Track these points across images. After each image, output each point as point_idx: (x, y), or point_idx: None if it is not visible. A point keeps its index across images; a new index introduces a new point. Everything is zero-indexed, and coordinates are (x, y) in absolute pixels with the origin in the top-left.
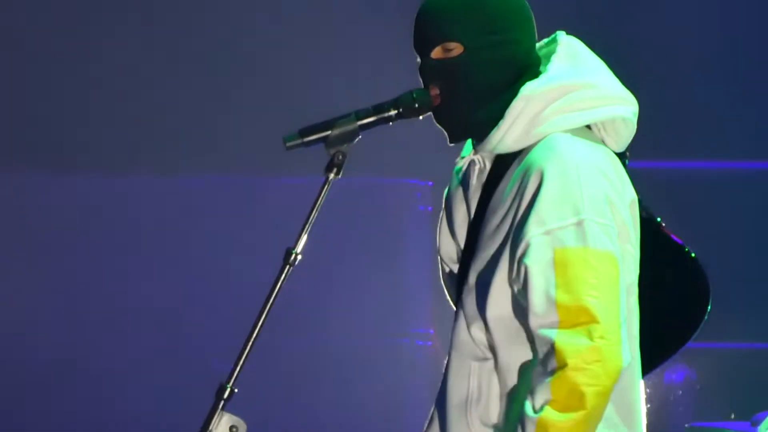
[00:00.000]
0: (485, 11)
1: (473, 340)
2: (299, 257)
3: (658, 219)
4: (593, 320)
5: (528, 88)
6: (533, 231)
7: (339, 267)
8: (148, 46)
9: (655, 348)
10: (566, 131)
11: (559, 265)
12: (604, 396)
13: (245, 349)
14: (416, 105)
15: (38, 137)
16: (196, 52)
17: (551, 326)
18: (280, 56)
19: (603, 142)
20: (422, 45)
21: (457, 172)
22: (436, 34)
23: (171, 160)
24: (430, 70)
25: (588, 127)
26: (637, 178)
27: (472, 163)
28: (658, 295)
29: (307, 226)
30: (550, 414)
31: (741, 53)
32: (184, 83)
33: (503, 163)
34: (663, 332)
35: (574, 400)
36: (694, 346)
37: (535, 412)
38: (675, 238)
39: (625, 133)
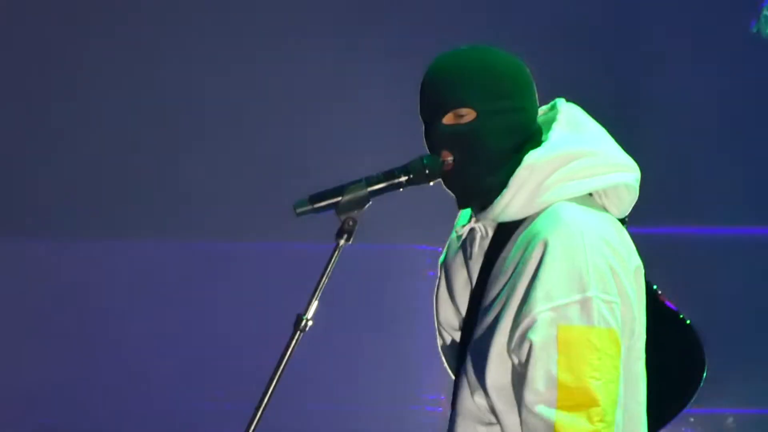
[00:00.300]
0: (495, 77)
1: (478, 407)
2: (310, 323)
3: (655, 286)
4: (594, 403)
5: (532, 157)
6: (540, 306)
7: (350, 333)
8: (148, 108)
9: (652, 414)
10: (570, 200)
11: (563, 344)
12: None
13: (256, 415)
14: (426, 171)
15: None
16: (204, 115)
17: (550, 404)
18: (291, 121)
19: (605, 209)
20: (432, 111)
21: (455, 240)
22: (448, 100)
23: (182, 225)
24: (441, 136)
25: (590, 194)
26: (634, 243)
27: (472, 230)
28: (654, 362)
29: (317, 292)
30: None
31: (737, 118)
32: (195, 148)
33: (506, 230)
34: (659, 399)
35: None
36: (701, 411)
37: None
38: (670, 304)
39: (628, 199)
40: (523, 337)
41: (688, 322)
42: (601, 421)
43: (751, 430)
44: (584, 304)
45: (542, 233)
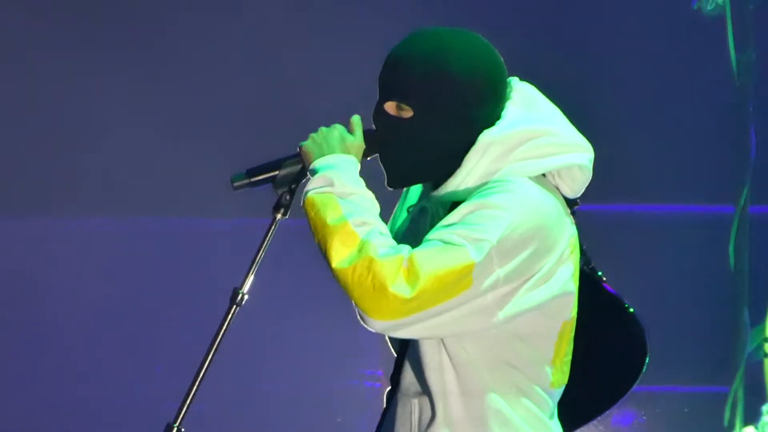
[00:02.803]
0: (449, 85)
1: (418, 382)
2: (246, 297)
3: (599, 273)
4: (415, 269)
5: (486, 136)
6: (442, 221)
7: (287, 308)
8: (76, 78)
9: (595, 400)
10: (522, 177)
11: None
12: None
13: (192, 388)
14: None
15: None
16: (137, 84)
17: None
18: (230, 90)
19: (557, 189)
20: (381, 89)
21: (404, 214)
22: (394, 89)
23: (113, 199)
24: (379, 119)
25: (543, 174)
26: (581, 221)
27: (423, 209)
28: (597, 349)
29: (254, 266)
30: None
31: (678, 96)
32: (126, 119)
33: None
34: (604, 383)
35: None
36: (642, 389)
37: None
38: (613, 291)
39: (581, 179)
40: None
41: (631, 310)
42: (411, 281)
43: (692, 409)
44: (478, 242)
45: (482, 191)
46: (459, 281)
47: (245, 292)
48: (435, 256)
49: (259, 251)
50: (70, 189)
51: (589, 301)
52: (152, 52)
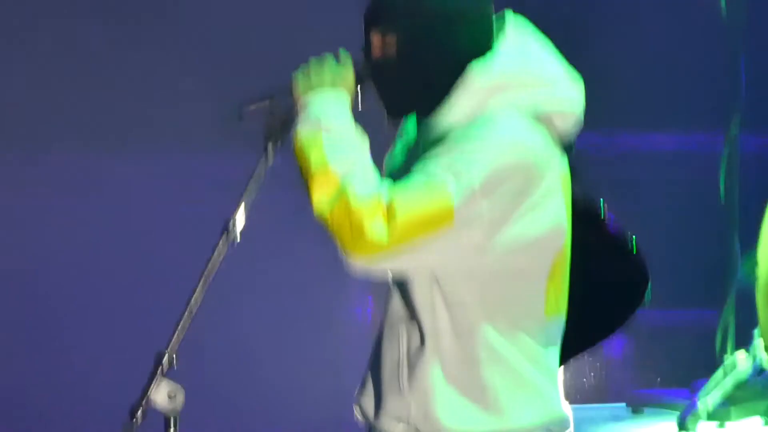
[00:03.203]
0: (429, 8)
1: (403, 306)
2: (238, 228)
3: (601, 212)
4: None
5: (475, 71)
6: (432, 152)
7: (276, 242)
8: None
9: (596, 328)
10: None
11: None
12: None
13: (183, 316)
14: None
15: None
16: (130, 16)
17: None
18: (220, 27)
19: (550, 124)
20: (366, 21)
21: (396, 149)
22: (376, 19)
23: (101, 136)
24: (367, 51)
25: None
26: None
27: (417, 143)
28: (599, 278)
29: (245, 196)
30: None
31: (668, 27)
32: (121, 57)
33: None
34: (603, 312)
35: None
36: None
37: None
38: (617, 230)
39: (571, 115)
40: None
41: (635, 250)
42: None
43: (688, 331)
44: (457, 175)
45: (471, 123)
46: (439, 219)
47: (236, 220)
48: (414, 194)
49: (250, 182)
50: (55, 125)
51: (589, 231)
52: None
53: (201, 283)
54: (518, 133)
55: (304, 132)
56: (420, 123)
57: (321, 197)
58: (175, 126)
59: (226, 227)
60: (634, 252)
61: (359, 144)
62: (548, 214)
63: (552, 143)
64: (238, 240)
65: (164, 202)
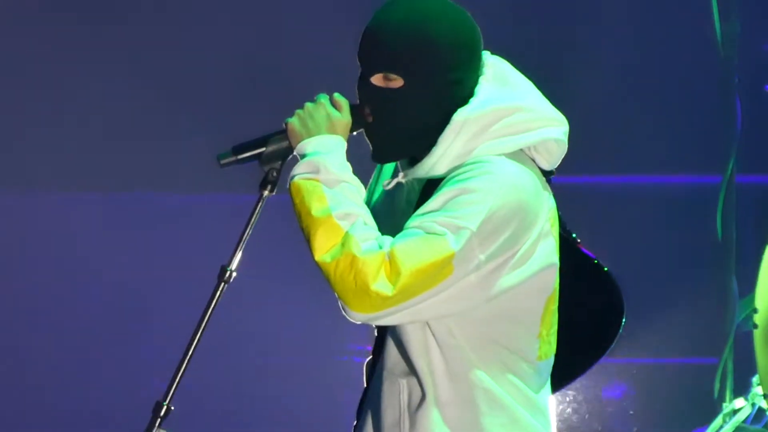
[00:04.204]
0: (433, 48)
1: (400, 356)
2: (234, 274)
3: (573, 235)
4: (397, 267)
5: (461, 115)
6: (426, 209)
7: (275, 285)
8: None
9: (574, 361)
10: (500, 155)
11: (415, 228)
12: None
13: (181, 366)
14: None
15: None
16: (115, 54)
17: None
18: (217, 68)
19: (534, 161)
20: (365, 64)
21: (380, 189)
22: (379, 60)
23: (104, 174)
24: (367, 94)
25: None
26: (556, 192)
27: (399, 185)
28: (574, 309)
29: (241, 243)
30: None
31: (664, 68)
32: (118, 101)
33: (434, 186)
34: (580, 345)
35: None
36: (632, 361)
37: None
38: (587, 252)
39: (557, 152)
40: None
41: (605, 269)
42: (393, 280)
43: (682, 380)
44: (456, 229)
45: (460, 170)
46: (440, 271)
47: (233, 269)
48: (416, 248)
49: (246, 228)
50: (56, 163)
51: (565, 262)
52: (135, 28)
53: (198, 333)
54: (510, 179)
55: (303, 178)
56: (402, 164)
57: (324, 248)
58: (172, 168)
59: (222, 274)
60: (605, 271)
61: (358, 194)
62: (542, 256)
63: (541, 182)
64: (233, 278)
65: (161, 243)
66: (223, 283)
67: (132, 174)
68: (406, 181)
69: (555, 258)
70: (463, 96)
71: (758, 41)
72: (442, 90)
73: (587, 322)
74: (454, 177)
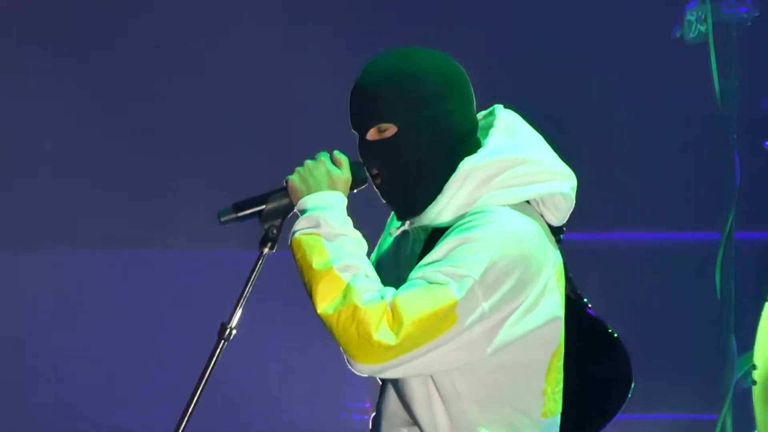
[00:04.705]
0: (417, 87)
1: (402, 408)
2: (234, 332)
3: (585, 299)
4: (399, 316)
5: (467, 163)
6: (430, 259)
7: (274, 342)
8: (57, 109)
9: (580, 425)
10: (505, 205)
11: (418, 280)
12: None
13: (181, 425)
14: (358, 176)
15: None
16: (123, 116)
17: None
18: (218, 125)
19: (542, 216)
20: (358, 125)
21: (388, 237)
22: (369, 116)
23: (102, 232)
24: (367, 152)
25: (527, 201)
26: (568, 248)
27: (405, 233)
28: (582, 374)
29: (241, 300)
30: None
31: (662, 123)
32: (117, 159)
33: (439, 234)
34: (589, 410)
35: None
36: (631, 417)
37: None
38: (597, 316)
39: (565, 207)
40: None
41: (615, 335)
42: (396, 332)
43: None
44: (459, 278)
45: (463, 219)
46: (443, 320)
47: (233, 326)
48: (418, 298)
49: (246, 285)
50: (55, 221)
51: (574, 326)
52: (136, 82)
53: (198, 391)
54: (513, 229)
55: (304, 233)
56: (412, 216)
57: (325, 301)
58: (172, 225)
59: (222, 331)
60: (615, 337)
61: (359, 247)
62: (546, 309)
63: (548, 236)
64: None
65: (161, 300)
66: (223, 341)
67: (132, 231)
68: (412, 230)
69: (560, 312)
70: (462, 131)
71: (757, 97)
72: (435, 123)
73: (595, 388)
74: (457, 227)
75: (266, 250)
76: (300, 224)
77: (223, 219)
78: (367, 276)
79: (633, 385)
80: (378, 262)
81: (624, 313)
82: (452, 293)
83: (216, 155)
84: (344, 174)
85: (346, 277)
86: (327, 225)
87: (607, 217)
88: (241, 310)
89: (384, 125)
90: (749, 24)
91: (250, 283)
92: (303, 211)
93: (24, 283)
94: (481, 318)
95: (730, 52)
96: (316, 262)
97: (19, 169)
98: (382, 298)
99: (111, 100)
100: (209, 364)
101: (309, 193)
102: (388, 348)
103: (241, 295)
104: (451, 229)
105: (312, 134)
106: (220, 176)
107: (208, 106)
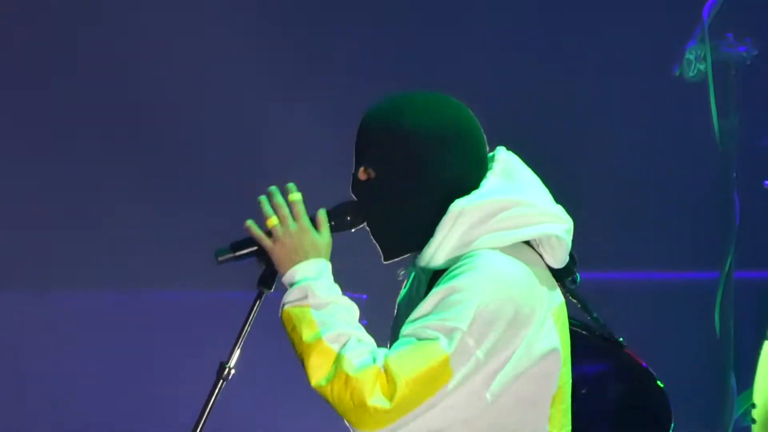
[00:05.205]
0: (401, 138)
1: None
2: (233, 372)
3: (620, 339)
4: (393, 379)
5: (458, 205)
6: (416, 315)
7: (274, 382)
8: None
9: None
10: (498, 249)
11: (413, 347)
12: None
13: None
14: (347, 217)
15: None
16: (118, 157)
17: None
18: (215, 168)
19: (542, 258)
20: (354, 160)
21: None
22: (358, 156)
23: (100, 273)
24: (354, 189)
25: (528, 243)
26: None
27: (416, 276)
28: (620, 414)
29: (240, 340)
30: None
31: (667, 163)
32: (112, 198)
33: (438, 276)
34: None
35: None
36: None
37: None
38: (641, 362)
39: (560, 250)
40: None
41: (660, 384)
42: (389, 396)
43: None
44: (448, 331)
45: (451, 270)
46: (438, 377)
47: (231, 366)
48: (409, 357)
49: (244, 325)
50: (55, 264)
51: (610, 365)
52: (133, 128)
53: (196, 428)
54: (500, 274)
55: (292, 308)
56: (396, 257)
57: (318, 373)
58: (169, 264)
59: (220, 371)
60: (657, 385)
61: (348, 313)
62: (543, 350)
63: (543, 277)
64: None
65: (158, 340)
66: (221, 380)
67: (128, 271)
68: (416, 271)
69: (558, 353)
70: (452, 180)
71: (756, 136)
72: (420, 185)
73: (636, 428)
74: (446, 275)
75: (264, 290)
76: (288, 297)
77: (220, 259)
78: (359, 341)
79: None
80: (398, 304)
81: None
82: (443, 348)
83: (213, 195)
84: (325, 238)
85: (336, 347)
86: (314, 295)
87: (606, 256)
88: (239, 349)
89: (368, 168)
90: (748, 63)
91: (248, 323)
92: (291, 284)
93: (27, 325)
94: (476, 367)
95: (729, 91)
96: (306, 334)
97: (15, 210)
98: (374, 361)
99: (109, 141)
100: (208, 404)
101: (294, 264)
102: (386, 412)
103: (239, 335)
104: (442, 276)
105: (306, 177)
106: (217, 216)
107: (205, 148)
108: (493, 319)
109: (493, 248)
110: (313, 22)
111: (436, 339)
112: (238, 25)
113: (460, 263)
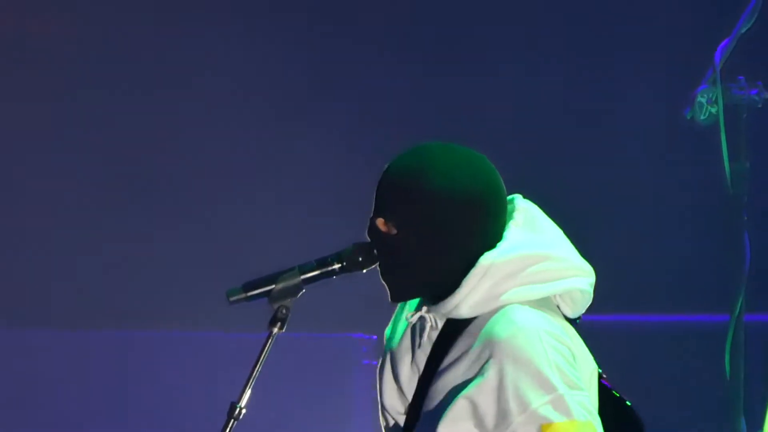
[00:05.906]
0: (425, 202)
1: None
2: (244, 411)
3: (599, 370)
4: None
5: (487, 259)
6: (516, 416)
7: (284, 423)
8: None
9: None
10: (524, 302)
11: None
12: None
13: None
14: (359, 258)
15: None
16: (126, 196)
17: None
18: (226, 205)
19: (558, 308)
20: (374, 207)
21: (402, 323)
22: (380, 206)
23: (112, 314)
24: (372, 235)
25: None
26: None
27: (422, 319)
28: None
29: (251, 380)
30: None
31: (673, 205)
32: (125, 238)
33: (456, 324)
34: None
35: None
36: None
37: None
38: (608, 384)
39: (582, 302)
40: None
41: (628, 403)
42: None
43: None
44: (557, 402)
45: (499, 337)
46: None
47: (242, 406)
48: None
49: (255, 365)
50: (66, 301)
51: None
52: (143, 165)
53: None
54: (549, 332)
55: None
56: (427, 304)
57: None
58: (180, 305)
59: (231, 411)
60: (628, 404)
61: None
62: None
63: (576, 335)
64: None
65: (169, 380)
66: (232, 420)
67: (139, 311)
68: (430, 316)
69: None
70: (474, 245)
71: (767, 179)
72: (445, 243)
73: None
74: (487, 334)
75: (276, 330)
76: None
77: (232, 299)
78: None
79: None
80: (391, 348)
81: (633, 394)
82: (580, 419)
83: (225, 235)
84: None
85: None
86: None
87: (617, 298)
88: (250, 389)
89: (390, 222)
90: (759, 106)
91: (259, 363)
92: None
93: (42, 364)
94: (592, 402)
95: (740, 134)
96: None
97: (23, 248)
98: None
99: (113, 177)
100: None
101: None
102: None
103: (250, 375)
104: (476, 331)
105: (320, 220)
106: (229, 256)
107: (215, 185)
108: (567, 366)
109: (522, 302)
110: (325, 61)
111: (559, 421)
112: (237, 56)
113: (499, 328)
